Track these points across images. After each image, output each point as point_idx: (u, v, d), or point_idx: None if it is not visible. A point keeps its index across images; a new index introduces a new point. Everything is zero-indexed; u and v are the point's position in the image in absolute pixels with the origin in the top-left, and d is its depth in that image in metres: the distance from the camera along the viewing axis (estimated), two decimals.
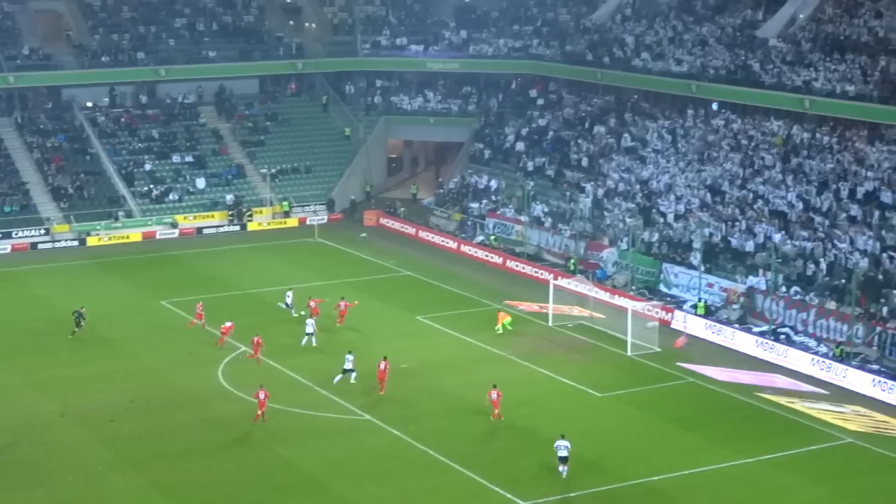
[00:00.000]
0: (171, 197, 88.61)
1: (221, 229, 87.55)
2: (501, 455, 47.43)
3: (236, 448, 47.78)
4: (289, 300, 65.91)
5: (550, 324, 64.06)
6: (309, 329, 60.29)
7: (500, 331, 62.44)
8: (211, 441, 48.28)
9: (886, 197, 66.76)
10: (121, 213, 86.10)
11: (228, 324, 60.54)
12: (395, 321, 65.15)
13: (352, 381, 54.48)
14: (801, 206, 69.43)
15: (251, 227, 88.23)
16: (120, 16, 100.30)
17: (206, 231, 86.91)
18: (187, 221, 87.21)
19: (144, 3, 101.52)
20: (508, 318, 63.30)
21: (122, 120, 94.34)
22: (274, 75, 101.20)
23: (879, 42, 75.62)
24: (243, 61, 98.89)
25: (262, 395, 49.95)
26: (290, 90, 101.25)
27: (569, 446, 44.78)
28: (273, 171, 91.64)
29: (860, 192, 68.32)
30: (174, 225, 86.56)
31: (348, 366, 54.68)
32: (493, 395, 50.43)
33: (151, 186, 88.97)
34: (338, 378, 54.60)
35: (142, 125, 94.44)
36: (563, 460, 44.75)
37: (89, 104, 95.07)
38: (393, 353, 56.38)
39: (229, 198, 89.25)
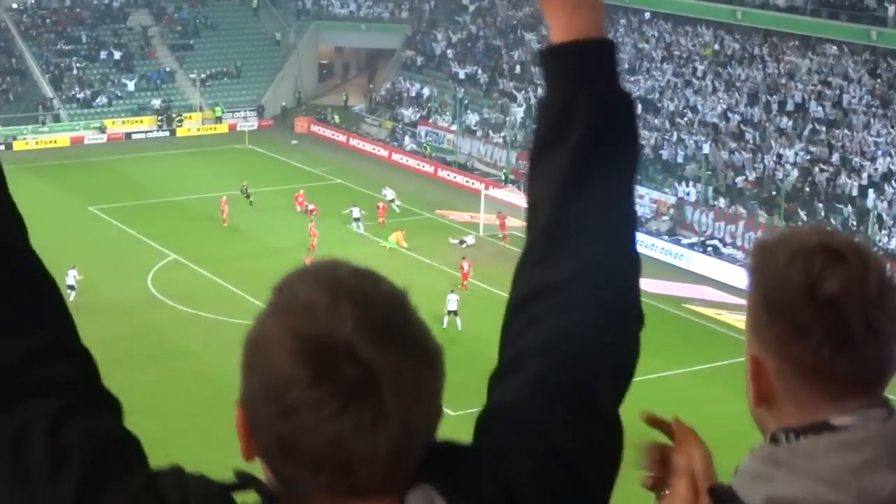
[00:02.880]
0: (99, 101, 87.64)
1: (150, 135, 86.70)
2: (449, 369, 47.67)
3: (165, 357, 47.77)
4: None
5: (482, 234, 64.23)
6: None
7: (388, 246, 61.61)
8: (140, 350, 48.21)
9: (816, 109, 67.20)
10: (48, 118, 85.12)
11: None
12: (324, 230, 65.01)
13: None
14: (731, 117, 69.77)
15: (181, 132, 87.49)
16: None
17: (135, 136, 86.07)
18: (116, 126, 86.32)
19: None
20: (395, 237, 62.43)
21: (49, 21, 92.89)
22: None
23: None
24: None
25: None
26: None
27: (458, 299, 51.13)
28: (203, 76, 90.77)
29: (790, 104, 68.70)
30: (102, 130, 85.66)
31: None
32: (465, 266, 53.75)
33: (78, 90, 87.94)
34: None
35: (69, 27, 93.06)
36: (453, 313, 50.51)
37: (14, 5, 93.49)
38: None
39: (156, 103, 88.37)
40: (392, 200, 67.86)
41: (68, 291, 54.50)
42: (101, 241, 62.62)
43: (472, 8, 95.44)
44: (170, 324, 50.95)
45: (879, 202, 58.39)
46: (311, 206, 65.77)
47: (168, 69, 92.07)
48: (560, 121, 2.70)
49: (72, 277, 53.20)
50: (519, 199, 65.34)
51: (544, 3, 2.76)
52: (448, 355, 2.31)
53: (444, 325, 50.31)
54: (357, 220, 66.06)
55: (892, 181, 60.14)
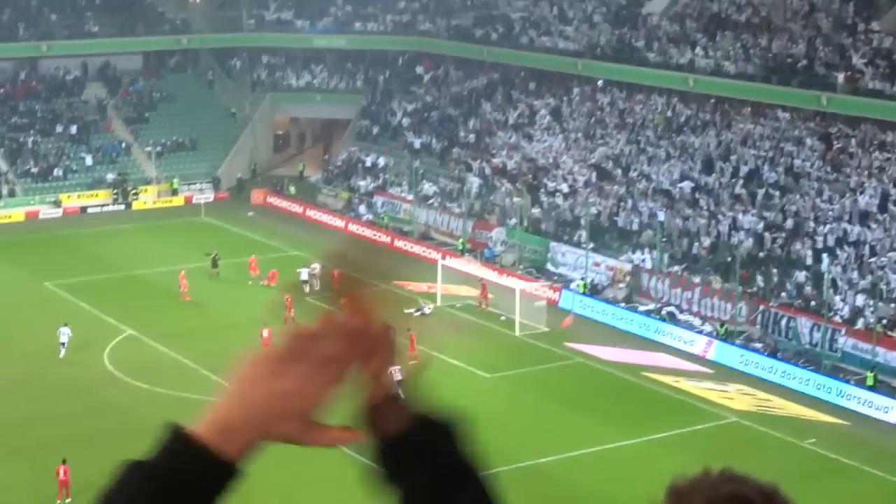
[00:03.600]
0: (55, 173, 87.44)
1: (106, 208, 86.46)
2: None
3: (122, 435, 47.33)
4: None
5: (439, 304, 64.22)
6: None
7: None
8: (98, 428, 47.80)
9: (769, 175, 67.72)
10: (3, 192, 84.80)
11: None
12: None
13: None
14: (685, 184, 70.21)
15: (136, 205, 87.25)
16: None
17: (90, 210, 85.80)
18: (71, 200, 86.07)
19: None
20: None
21: (2, 93, 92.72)
22: (158, 51, 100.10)
23: (762, 20, 76.56)
24: (127, 36, 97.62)
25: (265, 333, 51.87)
26: (176, 63, 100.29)
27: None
28: (158, 148, 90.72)
29: (743, 170, 69.24)
30: (58, 204, 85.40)
31: None
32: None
33: (33, 164, 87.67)
34: None
35: (24, 100, 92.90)
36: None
37: None
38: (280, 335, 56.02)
39: (110, 176, 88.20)
40: (306, 281, 67.03)
41: (60, 347, 55.05)
42: (56, 317, 62.17)
43: (426, 78, 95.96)
44: (127, 400, 50.58)
45: (833, 267, 58.77)
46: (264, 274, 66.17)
47: (123, 142, 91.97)
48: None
49: (64, 335, 55.49)
50: (476, 268, 65.53)
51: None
52: None
53: None
54: (305, 281, 66.12)
55: (845, 246, 60.56)
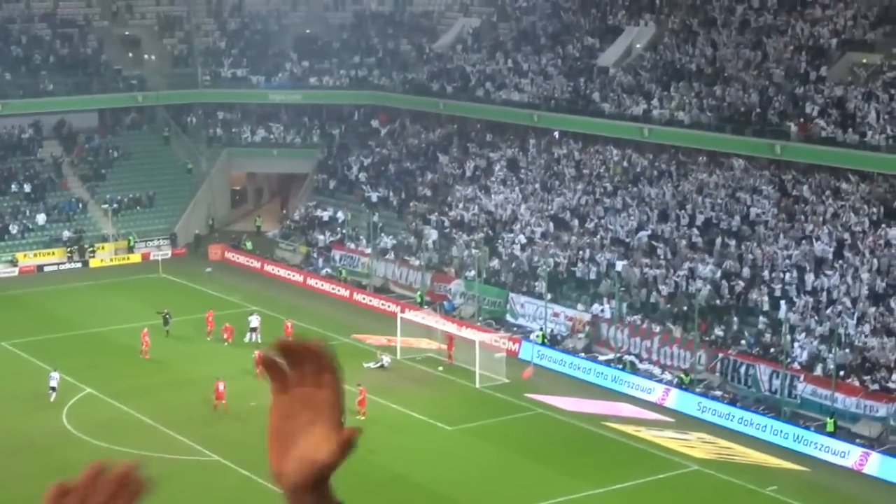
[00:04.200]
0: (11, 230, 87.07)
1: (63, 266, 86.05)
2: (351, 491, 47.18)
3: None
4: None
5: (399, 357, 64.11)
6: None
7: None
8: None
9: (725, 223, 68.12)
10: None
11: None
12: (238, 358, 64.46)
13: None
14: (642, 233, 70.52)
15: (93, 263, 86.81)
16: None
17: (47, 269, 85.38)
18: (27, 259, 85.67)
19: None
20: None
21: None
22: (114, 108, 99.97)
23: (716, 70, 77.19)
24: (82, 94, 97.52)
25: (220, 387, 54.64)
26: (132, 120, 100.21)
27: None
28: (115, 205, 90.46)
29: (700, 218, 69.63)
30: (14, 263, 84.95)
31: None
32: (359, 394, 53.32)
33: None
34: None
35: None
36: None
37: None
38: (241, 391, 55.99)
39: (66, 234, 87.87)
40: (255, 328, 67.83)
41: (50, 392, 56.05)
42: (14, 377, 61.82)
43: (383, 131, 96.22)
44: (87, 460, 49.54)
45: (791, 314, 59.09)
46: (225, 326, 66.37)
47: (79, 200, 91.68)
48: None
49: (54, 380, 57.07)
50: (435, 321, 65.52)
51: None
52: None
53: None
54: (254, 329, 66.68)
55: (802, 293, 60.93)
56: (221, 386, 55.13)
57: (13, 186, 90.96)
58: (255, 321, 67.79)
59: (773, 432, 53.06)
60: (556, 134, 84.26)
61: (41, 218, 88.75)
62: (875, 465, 49.91)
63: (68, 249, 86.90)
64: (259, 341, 65.46)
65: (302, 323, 70.86)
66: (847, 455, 50.59)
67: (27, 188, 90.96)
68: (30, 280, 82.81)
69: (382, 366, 62.18)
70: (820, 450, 51.24)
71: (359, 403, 53.44)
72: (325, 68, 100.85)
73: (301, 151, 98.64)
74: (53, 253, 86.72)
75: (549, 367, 62.82)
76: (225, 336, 66.53)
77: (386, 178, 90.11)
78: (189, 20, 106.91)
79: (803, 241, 64.01)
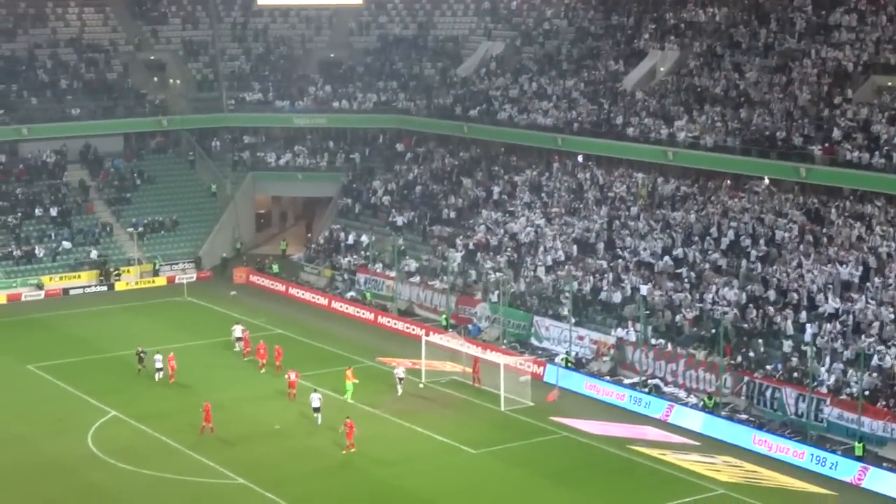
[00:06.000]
0: (37, 254, 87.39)
1: (89, 290, 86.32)
2: None
3: None
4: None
5: (423, 380, 64.06)
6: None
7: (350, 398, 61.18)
8: None
9: (750, 247, 67.93)
10: None
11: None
12: (267, 381, 64.68)
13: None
14: (667, 257, 70.38)
15: (119, 286, 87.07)
16: None
17: (72, 292, 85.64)
18: (53, 283, 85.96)
19: (4, 58, 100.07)
20: (351, 385, 61.52)
21: None
22: (139, 132, 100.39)
23: (740, 94, 77.08)
24: (107, 118, 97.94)
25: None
26: (157, 144, 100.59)
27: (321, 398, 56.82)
28: (140, 229, 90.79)
29: (724, 242, 69.46)
30: (40, 286, 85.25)
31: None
32: (346, 426, 53.39)
33: (14, 246, 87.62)
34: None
35: (4, 183, 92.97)
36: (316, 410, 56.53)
37: None
38: (265, 414, 56.02)
39: (94, 254, 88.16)
40: (239, 338, 69.32)
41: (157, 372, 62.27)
42: (40, 399, 62.00)
43: (408, 155, 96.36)
44: (112, 482, 50.30)
45: (819, 338, 58.85)
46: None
47: (105, 223, 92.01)
48: None
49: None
50: (459, 344, 65.45)
51: None
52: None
53: (318, 423, 55.87)
54: (239, 339, 67.30)
55: (828, 317, 60.66)
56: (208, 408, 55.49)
57: (39, 210, 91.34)
58: (238, 331, 70.13)
59: (799, 456, 52.80)
60: (581, 157, 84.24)
61: (67, 244, 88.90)
62: None
63: (95, 273, 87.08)
64: (243, 350, 68.61)
65: (327, 346, 71.07)
66: (875, 479, 50.26)
67: (53, 212, 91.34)
68: (55, 303, 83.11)
69: (399, 378, 62.33)
70: (846, 474, 50.93)
71: (347, 436, 53.35)
72: (349, 92, 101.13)
73: (325, 175, 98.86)
74: (80, 276, 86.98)
75: (575, 391, 62.66)
76: (259, 361, 66.63)
77: (410, 201, 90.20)
78: (214, 45, 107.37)
79: (829, 265, 63.80)
